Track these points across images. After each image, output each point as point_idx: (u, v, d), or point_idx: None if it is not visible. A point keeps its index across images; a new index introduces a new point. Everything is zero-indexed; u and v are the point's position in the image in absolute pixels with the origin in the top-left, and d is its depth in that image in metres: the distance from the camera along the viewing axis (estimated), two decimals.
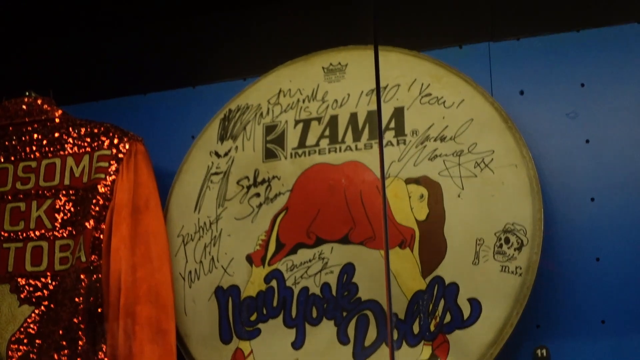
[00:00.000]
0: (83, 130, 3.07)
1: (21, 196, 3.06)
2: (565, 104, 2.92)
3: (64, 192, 3.02)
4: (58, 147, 3.07)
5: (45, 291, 2.95)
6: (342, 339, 2.78)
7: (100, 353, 2.86)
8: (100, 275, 2.90)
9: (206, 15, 3.38)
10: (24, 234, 3.03)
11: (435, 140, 2.84)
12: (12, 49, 3.55)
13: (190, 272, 2.99)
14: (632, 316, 2.72)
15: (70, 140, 3.06)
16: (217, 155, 3.07)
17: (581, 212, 2.83)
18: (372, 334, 2.76)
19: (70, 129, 3.08)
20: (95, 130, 3.05)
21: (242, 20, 3.34)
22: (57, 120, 3.10)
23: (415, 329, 2.72)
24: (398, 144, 2.88)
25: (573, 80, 2.93)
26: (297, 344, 2.82)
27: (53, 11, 3.43)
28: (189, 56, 3.38)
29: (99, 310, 2.89)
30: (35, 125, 3.11)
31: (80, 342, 2.85)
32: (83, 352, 2.84)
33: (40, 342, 2.90)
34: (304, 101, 3.03)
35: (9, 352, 2.91)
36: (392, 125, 2.91)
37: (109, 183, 2.96)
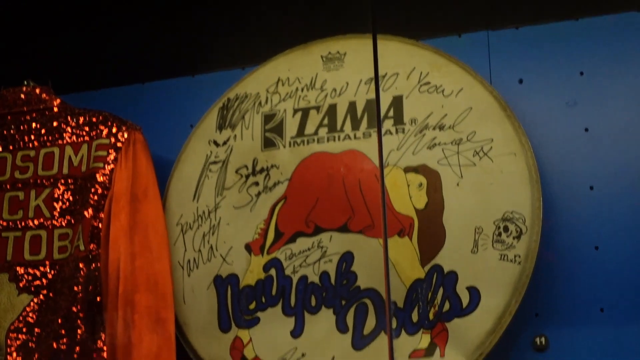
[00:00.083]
0: (82, 119, 3.06)
1: (20, 185, 3.06)
2: (564, 92, 2.92)
3: (62, 181, 3.02)
4: (57, 136, 3.07)
5: (44, 280, 2.95)
6: (341, 327, 2.79)
7: (99, 342, 2.86)
8: (99, 264, 2.90)
9: (205, 5, 3.37)
10: (23, 223, 3.03)
11: (434, 128, 2.84)
12: (11, 39, 3.54)
13: (189, 261, 2.99)
14: (630, 304, 2.72)
15: (69, 129, 3.06)
16: (216, 144, 3.07)
17: (580, 200, 2.83)
18: (371, 323, 2.77)
19: (69, 118, 3.08)
20: (94, 119, 3.05)
21: (241, 10, 3.33)
22: (55, 109, 3.10)
23: (414, 317, 2.72)
24: (397, 132, 2.88)
25: (572, 68, 2.93)
26: (296, 333, 2.82)
27: (52, 1, 3.42)
28: (188, 45, 3.38)
29: (98, 299, 2.89)
30: (34, 115, 3.11)
31: (79, 331, 2.85)
32: (82, 341, 2.85)
33: (39, 330, 2.90)
34: (302, 90, 3.03)
35: (8, 341, 2.92)
36: (391, 114, 2.91)
37: (108, 172, 2.96)
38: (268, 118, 3.04)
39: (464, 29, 3.06)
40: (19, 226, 3.03)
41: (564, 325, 2.77)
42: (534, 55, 2.97)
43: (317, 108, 2.99)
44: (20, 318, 2.93)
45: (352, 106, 2.96)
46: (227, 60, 3.28)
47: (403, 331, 2.72)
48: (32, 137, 3.10)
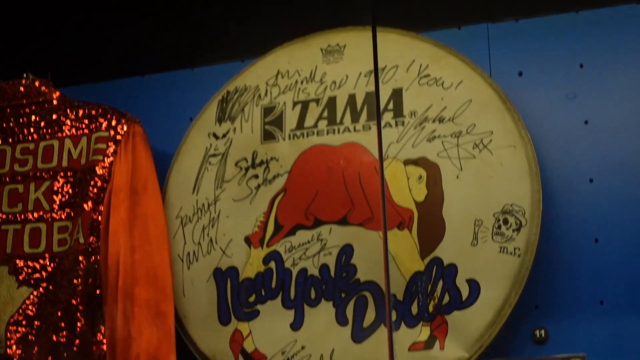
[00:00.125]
0: (81, 112, 3.06)
1: (19, 178, 3.06)
2: (564, 84, 2.91)
3: (62, 173, 3.02)
4: (56, 128, 3.07)
5: (43, 273, 2.95)
6: (341, 320, 2.79)
7: (98, 334, 2.86)
8: (98, 257, 2.90)
9: None
10: (22, 216, 3.03)
11: (433, 121, 2.84)
12: (10, 32, 3.54)
13: (188, 253, 2.99)
14: (630, 297, 2.73)
15: (68, 122, 3.06)
16: (215, 137, 3.07)
17: (580, 193, 2.83)
18: (370, 315, 2.77)
19: (68, 110, 3.08)
20: (93, 112, 3.05)
21: (240, 2, 3.32)
22: (54, 102, 3.10)
23: (414, 310, 2.72)
24: (396, 125, 2.87)
25: (572, 61, 2.92)
26: (296, 325, 2.83)
27: None
28: (187, 38, 3.37)
29: (98, 292, 2.90)
30: (33, 107, 3.11)
31: (78, 324, 2.86)
32: (82, 334, 2.85)
33: (38, 323, 2.91)
34: (302, 82, 3.02)
35: (8, 334, 2.92)
36: (391, 106, 2.90)
37: (107, 165, 2.96)
38: (267, 111, 3.04)
39: (464, 21, 3.06)
40: (19, 219, 3.03)
41: (563, 318, 2.77)
42: (534, 47, 2.97)
43: (317, 101, 2.99)
44: (20, 311, 2.94)
45: (351, 99, 2.96)
46: (226, 52, 3.27)
47: (403, 324, 2.73)
48: (32, 129, 3.09)
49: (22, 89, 3.12)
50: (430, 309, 2.71)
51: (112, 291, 2.87)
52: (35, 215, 3.01)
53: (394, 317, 2.72)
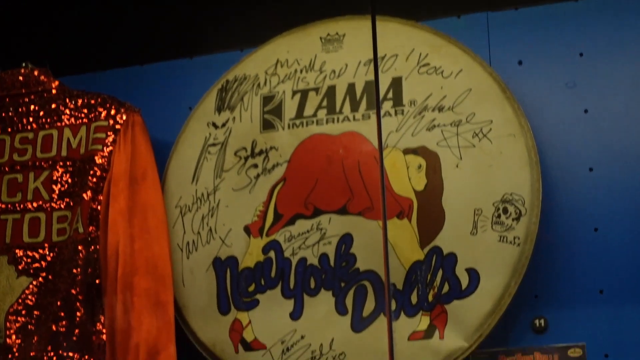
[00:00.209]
0: (80, 101, 3.06)
1: (18, 167, 3.06)
2: (563, 73, 2.91)
3: (61, 163, 3.01)
4: (55, 118, 3.06)
5: (43, 262, 2.95)
6: (340, 309, 2.79)
7: (98, 324, 2.86)
8: (98, 247, 2.90)
9: None
10: (22, 206, 3.02)
11: (433, 110, 2.83)
12: (9, 21, 3.53)
13: (188, 243, 2.98)
14: (630, 286, 2.73)
15: (67, 111, 3.06)
16: (215, 126, 3.06)
17: (579, 182, 2.83)
18: (370, 305, 2.77)
19: (67, 100, 3.07)
20: (92, 102, 3.04)
21: None
22: (53, 91, 3.09)
23: (414, 299, 2.72)
24: (396, 114, 2.87)
25: (571, 50, 2.92)
26: (295, 315, 2.83)
27: None
28: (186, 27, 3.36)
29: (97, 281, 2.89)
30: (32, 97, 3.11)
31: (78, 314, 2.86)
32: (81, 323, 2.85)
33: (38, 313, 2.91)
34: (301, 71, 3.02)
35: (7, 324, 2.92)
36: (390, 95, 2.90)
37: (106, 154, 2.96)
38: (267, 100, 3.03)
39: (464, 10, 3.05)
40: (18, 208, 3.02)
41: (563, 307, 2.77)
42: (534, 36, 2.96)
43: (316, 90, 2.98)
44: (20, 301, 2.94)
45: (351, 88, 2.95)
46: (225, 42, 3.26)
47: (402, 313, 2.73)
48: (31, 119, 3.09)
49: (21, 78, 3.12)
50: (430, 298, 2.71)
51: (112, 281, 2.86)
52: (35, 204, 3.01)
53: (393, 306, 2.72)
